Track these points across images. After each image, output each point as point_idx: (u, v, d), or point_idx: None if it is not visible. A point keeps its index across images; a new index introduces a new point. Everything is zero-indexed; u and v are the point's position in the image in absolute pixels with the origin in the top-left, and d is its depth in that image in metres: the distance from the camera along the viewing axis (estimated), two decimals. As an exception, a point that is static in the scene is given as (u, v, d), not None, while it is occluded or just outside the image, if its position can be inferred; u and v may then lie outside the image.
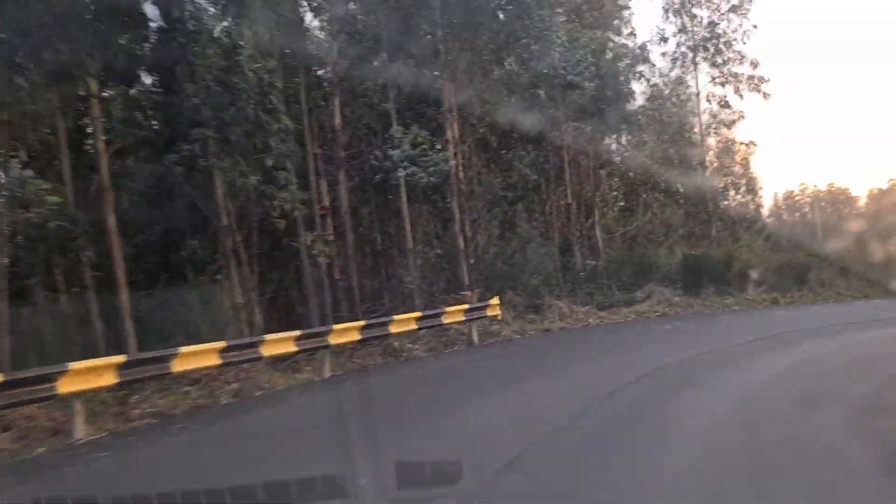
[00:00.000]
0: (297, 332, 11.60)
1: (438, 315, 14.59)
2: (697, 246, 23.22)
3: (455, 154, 20.23)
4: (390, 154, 17.33)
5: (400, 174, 17.21)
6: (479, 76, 20.76)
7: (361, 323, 12.96)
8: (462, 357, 14.32)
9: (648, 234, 25.21)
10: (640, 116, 24.83)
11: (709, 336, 15.12)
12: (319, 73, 18.93)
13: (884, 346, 13.40)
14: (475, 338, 15.53)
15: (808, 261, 22.99)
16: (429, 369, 13.05)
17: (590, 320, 18.28)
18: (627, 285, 21.94)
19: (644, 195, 25.76)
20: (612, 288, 21.79)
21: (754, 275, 22.33)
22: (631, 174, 25.80)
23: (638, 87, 25.98)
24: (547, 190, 23.97)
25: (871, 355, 12.25)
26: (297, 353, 11.56)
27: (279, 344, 11.14)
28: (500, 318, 16.24)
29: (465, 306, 15.32)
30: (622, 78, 20.83)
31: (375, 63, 18.81)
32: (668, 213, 25.79)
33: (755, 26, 25.00)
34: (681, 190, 25.23)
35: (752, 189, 30.90)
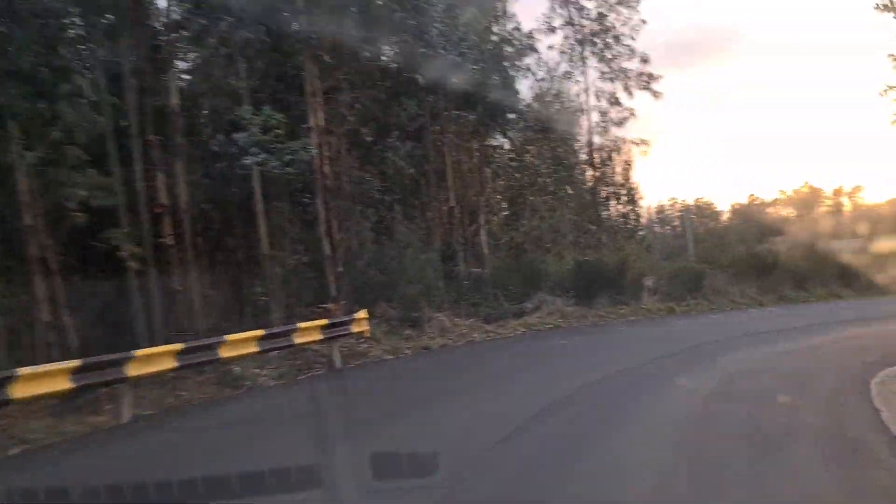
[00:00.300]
0: (75, 363, 8.29)
1: (288, 333, 11.60)
2: (587, 253, 21.40)
3: (320, 145, 17.35)
4: (235, 138, 14.20)
5: (247, 161, 14.11)
6: (348, 57, 18.01)
7: (178, 347, 9.76)
8: (315, 386, 11.40)
9: (537, 239, 23.22)
10: (527, 111, 22.89)
11: (612, 352, 13.02)
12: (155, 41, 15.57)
13: (807, 359, 11.72)
14: (337, 360, 12.66)
15: (702, 268, 21.71)
16: (263, 406, 10.08)
17: (475, 335, 15.82)
18: (516, 295, 19.75)
19: (531, 198, 23.79)
20: (499, 298, 19.53)
21: (649, 283, 20.78)
22: (518, 175, 23.82)
23: (525, 84, 24.15)
24: (428, 192, 21.54)
25: (798, 371, 10.48)
26: (75, 390, 8.24)
27: (43, 380, 7.83)
28: (367, 334, 13.45)
29: (324, 322, 12.42)
30: (507, 64, 18.62)
31: (223, 29, 15.68)
32: (557, 217, 23.95)
33: (644, 21, 23.74)
34: (569, 192, 23.46)
35: (632, 199, 30.42)
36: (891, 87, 9.35)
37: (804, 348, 13.01)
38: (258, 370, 12.29)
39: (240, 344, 10.69)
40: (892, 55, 9.76)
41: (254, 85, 17.13)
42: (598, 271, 19.39)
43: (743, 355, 12.00)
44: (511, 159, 23.25)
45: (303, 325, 11.99)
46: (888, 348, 12.27)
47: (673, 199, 52.29)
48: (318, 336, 12.21)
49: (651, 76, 23.79)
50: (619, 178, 30.50)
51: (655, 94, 24.02)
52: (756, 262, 22.38)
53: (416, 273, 18.81)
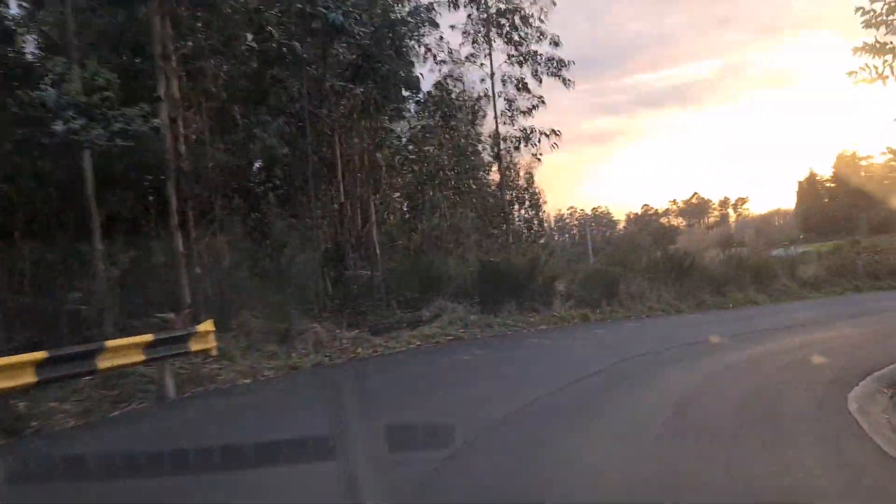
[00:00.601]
0: None
1: (88, 356, 8.40)
2: (492, 254, 18.97)
3: (174, 120, 14.23)
4: (42, 96, 10.87)
5: (57, 128, 10.78)
6: (207, 16, 14.90)
7: None
8: (127, 427, 8.31)
9: (437, 239, 20.66)
10: (426, 95, 20.38)
11: (524, 372, 10.52)
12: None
13: (757, 375, 9.63)
14: (170, 388, 9.58)
15: (617, 272, 19.73)
16: (34, 464, 6.89)
17: (359, 350, 13.01)
18: (412, 301, 17.11)
19: (431, 193, 21.23)
20: (392, 305, 16.85)
21: (561, 287, 18.59)
22: (416, 168, 21.22)
23: (426, 69, 21.61)
24: (316, 184, 18.65)
25: (756, 393, 8.34)
26: None
27: None
28: (214, 352, 10.40)
29: (148, 338, 9.28)
30: (404, 30, 15.92)
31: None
32: (460, 215, 21.49)
33: (554, 3, 21.71)
34: (473, 186, 21.07)
35: (535, 204, 29.50)
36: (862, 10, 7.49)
37: (747, 361, 11.00)
38: (57, 403, 9.07)
39: (8, 372, 7.47)
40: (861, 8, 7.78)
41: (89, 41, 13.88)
42: (506, 274, 17.00)
43: (681, 374, 9.80)
44: (409, 149, 20.59)
45: (113, 343, 8.83)
46: (837, 361, 10.53)
47: (572, 207, 52.67)
48: (139, 357, 9.09)
49: (562, 62, 21.81)
50: (522, 183, 29.85)
51: (566, 82, 22.05)
52: (673, 266, 20.66)
53: (296, 277, 15.95)
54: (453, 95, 21.33)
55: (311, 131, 17.02)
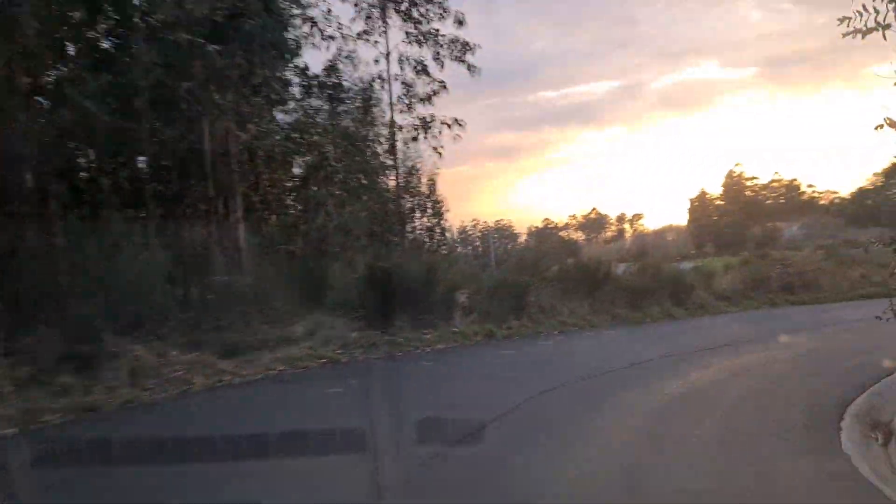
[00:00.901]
0: None
1: None
2: (383, 258, 16.07)
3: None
4: None
5: None
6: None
7: None
8: None
9: (321, 242, 17.64)
10: (313, 76, 17.43)
11: (411, 412, 7.68)
12: None
13: (713, 412, 7.29)
14: None
15: (526, 281, 17.31)
16: None
17: (195, 380, 9.81)
18: (283, 314, 14.01)
19: (314, 188, 18.20)
20: (254, 319, 13.69)
21: (463, 299, 15.98)
22: (296, 157, 18.16)
23: (314, 51, 18.63)
24: (182, 175, 15.46)
25: (721, 451, 5.97)
26: None
27: None
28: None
29: None
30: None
31: None
32: (349, 215, 18.55)
33: (460, -22, 19.24)
34: (364, 182, 18.22)
35: (438, 212, 27.34)
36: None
37: (692, 394, 8.72)
38: None
39: None
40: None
41: None
42: (398, 283, 14.19)
43: (614, 416, 7.34)
44: (288, 136, 17.47)
45: None
46: (797, 392, 8.68)
47: (476, 219, 52.65)
48: None
49: (467, 45, 19.33)
50: (424, 189, 27.92)
51: (471, 69, 19.59)
52: (586, 276, 18.47)
53: (133, 284, 12.58)
54: (342, 76, 18.43)
55: (164, 105, 13.73)
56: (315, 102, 18.50)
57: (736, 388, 9.31)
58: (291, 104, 17.59)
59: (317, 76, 18.47)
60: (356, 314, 14.07)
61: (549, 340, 14.98)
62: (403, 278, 14.18)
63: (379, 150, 19.88)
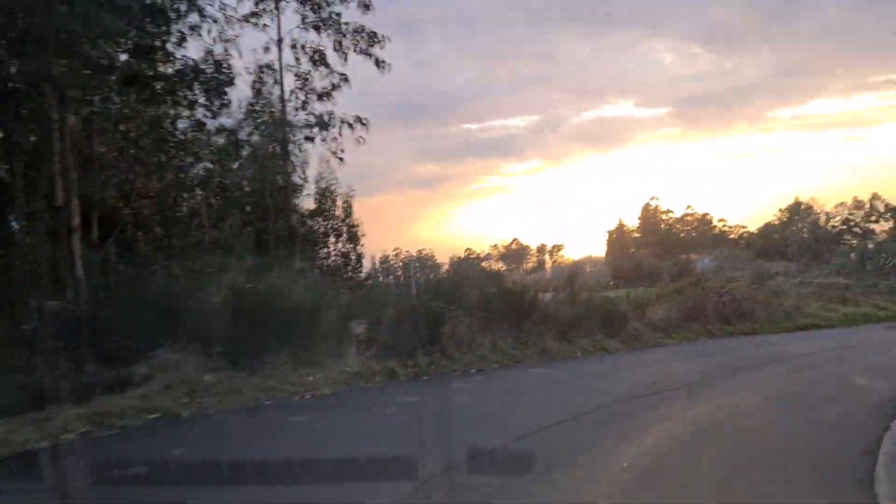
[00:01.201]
0: None
1: None
2: (254, 279, 12.85)
3: None
4: None
5: None
6: None
7: None
8: None
9: (188, 259, 14.36)
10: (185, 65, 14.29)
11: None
12: None
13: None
14: None
15: (440, 308, 14.45)
16: None
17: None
18: (123, 351, 10.72)
19: (185, 194, 14.94)
20: (82, 360, 10.37)
21: (360, 330, 12.99)
22: (164, 157, 14.89)
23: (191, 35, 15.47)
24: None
25: None
26: None
27: None
28: None
29: None
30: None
31: None
32: (228, 226, 15.34)
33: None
34: (246, 188, 15.08)
35: (353, 237, 26.02)
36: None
37: (657, 467, 6.03)
38: None
39: None
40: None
41: None
42: (273, 308, 11.06)
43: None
44: (149, 129, 14.20)
45: None
46: (784, 468, 6.20)
47: (397, 248, 51.18)
48: None
49: (374, 35, 16.58)
50: (340, 213, 26.07)
51: (379, 64, 16.83)
52: (511, 304, 15.78)
53: None
54: (223, 65, 15.30)
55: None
56: (189, 95, 15.31)
57: (709, 456, 6.73)
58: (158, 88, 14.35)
59: (194, 61, 15.34)
60: (217, 350, 10.88)
61: (466, 382, 12.11)
62: (279, 305, 11.07)
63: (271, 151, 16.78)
